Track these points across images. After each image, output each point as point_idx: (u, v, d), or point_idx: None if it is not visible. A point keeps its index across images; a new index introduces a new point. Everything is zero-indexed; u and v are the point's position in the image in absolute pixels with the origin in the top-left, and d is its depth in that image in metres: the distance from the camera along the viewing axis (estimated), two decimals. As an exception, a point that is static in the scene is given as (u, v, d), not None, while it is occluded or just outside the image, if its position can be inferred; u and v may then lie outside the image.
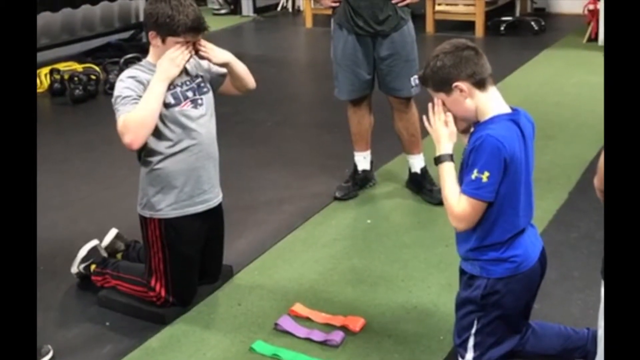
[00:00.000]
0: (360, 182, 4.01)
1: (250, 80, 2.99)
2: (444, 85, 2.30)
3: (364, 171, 4.02)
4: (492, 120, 2.27)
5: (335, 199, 3.90)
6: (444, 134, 2.35)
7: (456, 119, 2.36)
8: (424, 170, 3.92)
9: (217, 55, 2.83)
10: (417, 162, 3.93)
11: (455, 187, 2.28)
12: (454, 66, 2.27)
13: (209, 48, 2.80)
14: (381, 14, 3.63)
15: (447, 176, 2.31)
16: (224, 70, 2.92)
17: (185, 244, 2.85)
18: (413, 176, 3.96)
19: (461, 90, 2.27)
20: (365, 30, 3.67)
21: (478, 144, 2.21)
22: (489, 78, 2.30)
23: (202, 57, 2.84)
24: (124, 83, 2.70)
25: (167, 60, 2.68)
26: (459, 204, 2.25)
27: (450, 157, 2.33)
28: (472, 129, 2.35)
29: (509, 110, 2.31)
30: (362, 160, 4.01)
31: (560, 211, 3.68)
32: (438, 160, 2.35)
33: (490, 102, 2.29)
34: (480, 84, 2.28)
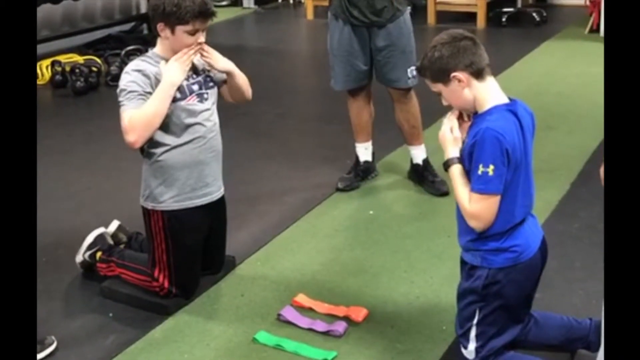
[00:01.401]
0: (362, 173, 4.01)
1: (248, 92, 2.98)
2: (442, 75, 2.30)
3: (365, 162, 4.02)
4: (490, 111, 2.27)
5: (338, 190, 3.91)
6: (449, 140, 2.36)
7: (461, 125, 2.36)
8: (425, 161, 3.92)
9: (220, 62, 2.83)
10: (418, 153, 3.93)
11: (466, 188, 2.29)
12: (452, 56, 2.27)
13: (211, 54, 2.81)
14: (377, 4, 3.63)
15: (458, 179, 2.32)
16: (223, 76, 2.91)
17: (188, 235, 2.86)
18: (415, 167, 3.97)
19: (459, 81, 2.27)
20: (360, 21, 3.67)
21: (478, 138, 2.22)
22: (487, 68, 2.30)
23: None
24: (130, 76, 2.70)
25: (173, 65, 2.69)
26: (470, 203, 2.26)
27: (458, 160, 2.34)
28: (470, 121, 2.36)
29: (506, 101, 2.31)
30: (364, 151, 4.01)
31: (562, 202, 3.68)
32: (446, 165, 2.36)
33: (489, 92, 2.30)
34: (478, 74, 2.28)
